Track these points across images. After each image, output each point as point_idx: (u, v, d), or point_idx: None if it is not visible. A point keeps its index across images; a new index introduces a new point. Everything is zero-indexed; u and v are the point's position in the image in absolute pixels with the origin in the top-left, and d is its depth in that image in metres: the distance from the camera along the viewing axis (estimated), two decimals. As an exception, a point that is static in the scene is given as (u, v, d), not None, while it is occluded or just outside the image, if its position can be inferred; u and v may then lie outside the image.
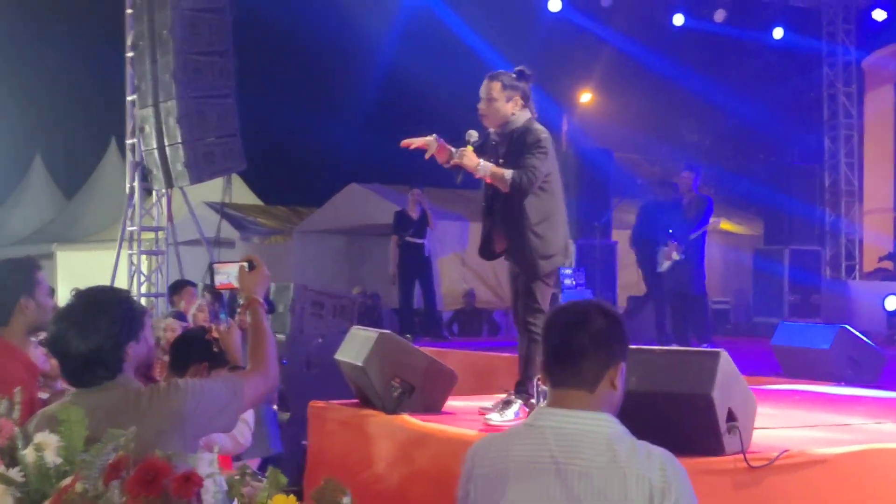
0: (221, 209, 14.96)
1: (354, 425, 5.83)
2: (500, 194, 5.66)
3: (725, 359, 4.26)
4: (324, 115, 20.68)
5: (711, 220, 11.32)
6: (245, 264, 3.61)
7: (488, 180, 5.61)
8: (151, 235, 14.64)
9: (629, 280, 15.88)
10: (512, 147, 5.65)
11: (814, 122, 18.14)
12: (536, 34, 15.16)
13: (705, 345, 10.87)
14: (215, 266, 3.85)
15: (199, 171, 12.80)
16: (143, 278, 14.33)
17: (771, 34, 16.72)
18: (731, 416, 4.27)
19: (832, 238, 17.75)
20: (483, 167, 5.56)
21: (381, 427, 5.60)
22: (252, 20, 15.27)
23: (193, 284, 8.68)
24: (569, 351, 2.73)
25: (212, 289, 3.91)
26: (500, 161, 5.62)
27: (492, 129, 5.78)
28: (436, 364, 5.79)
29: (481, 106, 5.65)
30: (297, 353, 10.25)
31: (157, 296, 14.11)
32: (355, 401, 6.19)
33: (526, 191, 5.54)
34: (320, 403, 6.21)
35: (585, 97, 20.14)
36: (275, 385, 3.33)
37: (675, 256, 10.80)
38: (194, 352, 4.57)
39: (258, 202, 22.19)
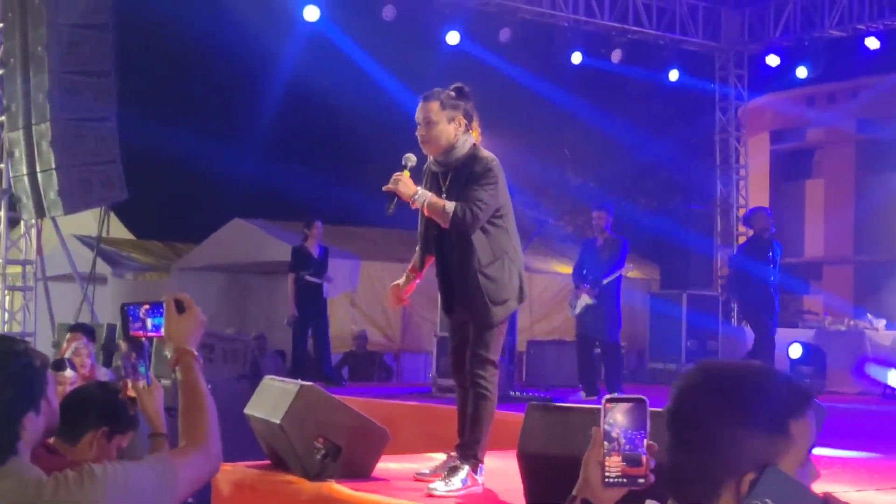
0: (98, 243, 13.88)
1: (269, 492, 5.08)
2: (444, 238, 5.00)
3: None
4: (204, 146, 19.72)
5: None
6: (172, 304, 2.75)
7: (426, 212, 4.94)
8: (18, 269, 13.50)
9: (524, 324, 15.42)
10: (457, 178, 4.98)
11: (710, 165, 18.09)
12: (435, 66, 14.69)
13: (615, 394, 10.39)
14: (131, 308, 2.98)
15: (75, 200, 11.79)
16: (7, 316, 13.19)
17: (667, 76, 16.57)
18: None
19: (724, 283, 17.64)
20: (421, 196, 4.90)
21: (302, 495, 4.87)
22: (133, 40, 14.35)
23: (88, 330, 7.73)
24: (677, 472, 1.88)
25: (129, 336, 3.00)
26: (444, 195, 4.96)
27: (431, 158, 5.13)
28: (365, 422, 5.09)
29: (420, 132, 4.99)
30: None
31: (24, 335, 12.97)
32: (267, 462, 5.45)
33: (469, 228, 4.86)
34: (227, 466, 5.41)
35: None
36: (218, 466, 2.59)
37: (588, 300, 10.30)
38: (90, 414, 3.73)
39: (129, 236, 21.11)
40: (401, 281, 5.27)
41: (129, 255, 18.14)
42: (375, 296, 15.03)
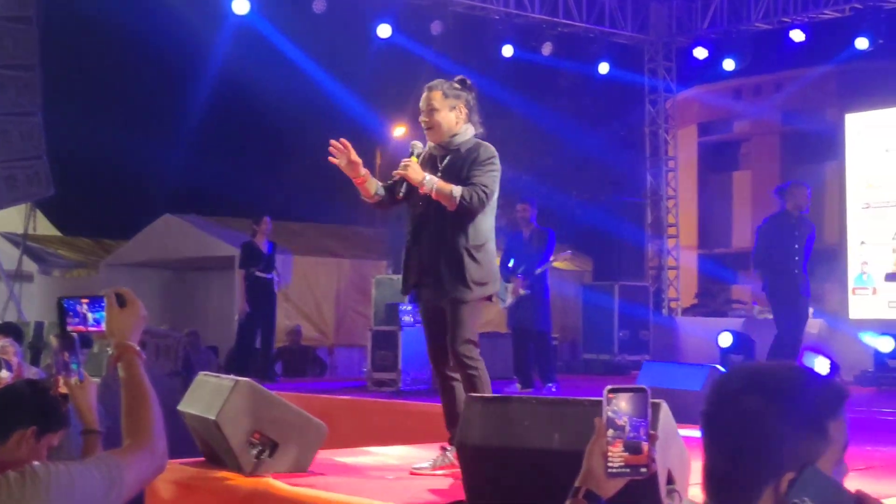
0: (24, 240, 13.62)
1: (204, 489, 5.03)
2: (432, 216, 5.10)
3: (665, 411, 3.71)
4: (132, 141, 19.42)
5: (561, 254, 11.02)
6: (113, 298, 2.70)
7: (434, 196, 5.04)
8: (-59, 268, 13.24)
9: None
10: (457, 161, 5.14)
11: (640, 158, 18.21)
12: (366, 59, 14.64)
13: (550, 384, 10.49)
14: (69, 302, 2.91)
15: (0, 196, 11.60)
16: (-70, 316, 12.92)
17: (597, 69, 16.68)
18: (669, 479, 3.73)
19: (654, 274, 17.81)
20: (429, 181, 5.03)
21: (238, 491, 4.82)
22: (58, 33, 14.08)
23: (14, 329, 7.54)
24: (717, 475, 1.84)
25: (62, 333, 2.94)
26: (439, 175, 5.12)
27: (432, 143, 5.29)
28: (302, 416, 5.06)
29: (423, 119, 5.20)
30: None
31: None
32: (201, 459, 5.39)
33: (475, 211, 5.03)
34: (161, 464, 5.35)
35: (399, 131, 19.64)
36: (164, 464, 2.54)
37: (521, 292, 10.37)
38: (18, 413, 3.65)
39: (56, 233, 20.73)
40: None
41: (56, 251, 17.84)
42: (309, 290, 14.95)
